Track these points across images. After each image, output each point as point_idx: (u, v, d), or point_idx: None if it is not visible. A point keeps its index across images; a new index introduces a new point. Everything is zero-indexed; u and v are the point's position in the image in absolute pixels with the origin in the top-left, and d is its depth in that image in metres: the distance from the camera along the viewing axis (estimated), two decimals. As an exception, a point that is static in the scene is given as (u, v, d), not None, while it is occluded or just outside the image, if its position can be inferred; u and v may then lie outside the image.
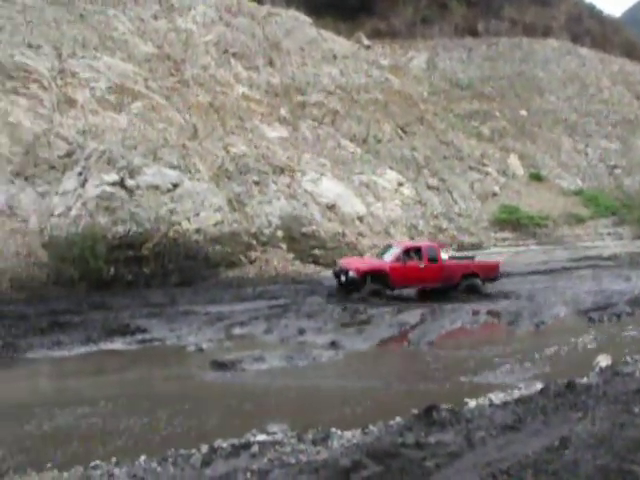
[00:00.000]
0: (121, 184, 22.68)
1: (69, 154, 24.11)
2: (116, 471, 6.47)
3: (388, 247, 21.50)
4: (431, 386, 10.88)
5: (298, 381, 11.21)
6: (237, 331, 15.54)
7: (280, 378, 11.41)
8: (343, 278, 19.65)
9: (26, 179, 23.45)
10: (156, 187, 23.23)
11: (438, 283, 20.23)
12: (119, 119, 25.95)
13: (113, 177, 22.63)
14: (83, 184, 22.77)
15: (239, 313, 17.36)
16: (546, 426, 7.31)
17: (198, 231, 23.38)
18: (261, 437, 7.79)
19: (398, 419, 8.21)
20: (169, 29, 31.95)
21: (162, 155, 24.68)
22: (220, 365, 12.19)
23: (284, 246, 25.76)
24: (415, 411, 8.27)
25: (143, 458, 6.98)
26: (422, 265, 19.95)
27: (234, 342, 14.52)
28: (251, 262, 24.25)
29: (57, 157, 24.02)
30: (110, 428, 8.79)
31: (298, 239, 26.31)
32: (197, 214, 23.75)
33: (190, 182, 24.40)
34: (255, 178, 27.15)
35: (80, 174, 23.17)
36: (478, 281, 20.66)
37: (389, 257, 20.35)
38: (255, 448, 7.15)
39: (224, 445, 7.36)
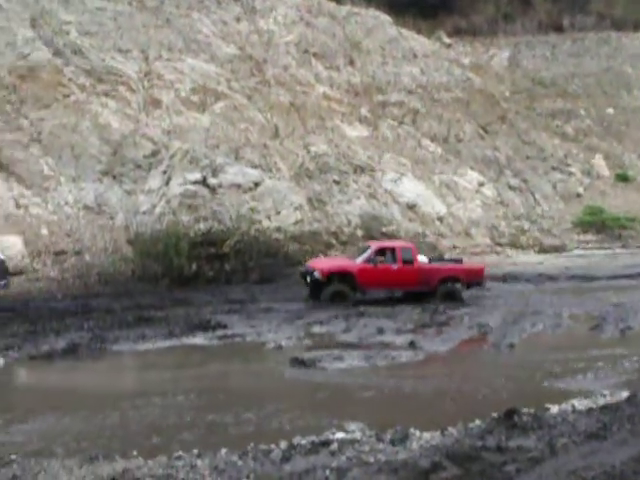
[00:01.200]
0: (204, 183, 23.14)
1: (154, 153, 24.76)
2: (198, 462, 6.52)
3: (366, 247, 19.87)
4: (511, 390, 10.56)
5: (376, 381, 11.08)
6: (316, 329, 15.53)
7: (359, 377, 11.31)
8: (308, 279, 18.39)
9: (114, 178, 24.23)
10: (238, 186, 23.57)
11: (412, 287, 18.83)
12: (202, 119, 26.47)
13: (196, 176, 23.11)
14: (167, 182, 23.34)
15: (318, 311, 17.36)
16: (633, 436, 7.00)
17: (278, 229, 23.57)
18: (340, 435, 7.73)
19: (478, 422, 8.00)
20: (251, 31, 32.36)
21: (244, 154, 25.04)
22: (299, 363, 12.17)
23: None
24: (495, 414, 8.05)
25: (224, 451, 7.02)
26: (395, 267, 18.51)
27: (313, 340, 14.51)
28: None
29: (143, 156, 24.71)
30: (191, 420, 8.89)
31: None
32: (278, 212, 23.96)
33: (271, 181, 24.66)
34: (335, 177, 27.16)
35: (164, 173, 23.77)
36: (458, 286, 19.15)
37: (360, 257, 18.95)
38: (334, 446, 7.10)
39: (303, 442, 7.33)
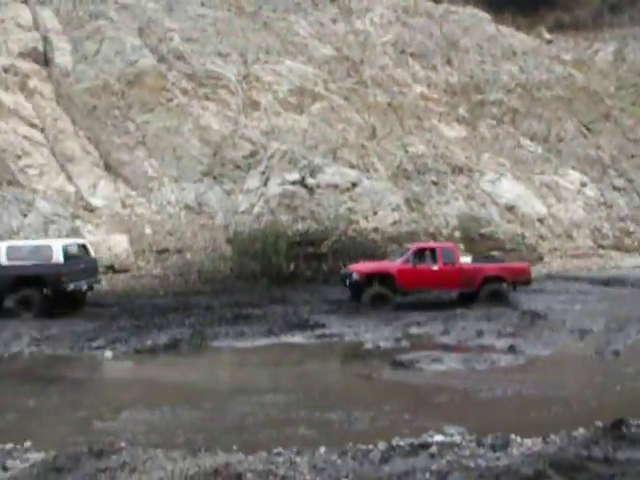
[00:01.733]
0: (302, 183, 23.29)
1: (253, 154, 25.18)
2: (297, 459, 6.47)
3: (405, 249, 19.32)
4: (616, 398, 9.95)
5: (475, 384, 10.72)
6: (414, 330, 15.25)
7: (457, 380, 11.00)
8: (347, 281, 17.94)
9: (214, 178, 24.81)
10: (335, 186, 23.60)
11: (454, 287, 18.22)
12: (300, 120, 26.71)
13: (294, 176, 23.29)
14: (266, 183, 23.65)
15: (417, 313, 17.10)
16: None
17: (376, 230, 23.44)
18: (438, 438, 7.51)
19: (582, 431, 7.54)
20: (347, 31, 32.45)
21: (342, 155, 25.08)
22: (398, 364, 11.98)
23: (462, 247, 25.13)
24: (600, 424, 7.58)
25: (323, 449, 6.94)
26: (435, 267, 17.87)
27: (411, 341, 14.26)
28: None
29: (242, 157, 25.18)
30: (289, 418, 8.89)
31: (476, 240, 25.60)
32: (375, 213, 23.82)
33: (369, 181, 24.55)
34: (433, 178, 26.78)
35: (263, 173, 24.10)
36: (504, 286, 18.28)
37: (399, 259, 18.43)
38: (434, 449, 6.89)
39: (401, 443, 7.15)
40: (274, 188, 23.11)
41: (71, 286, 17.62)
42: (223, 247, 22.52)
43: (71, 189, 23.74)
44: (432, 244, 19.97)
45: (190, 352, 13.68)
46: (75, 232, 21.75)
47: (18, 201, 22.50)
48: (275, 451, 6.77)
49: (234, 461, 6.16)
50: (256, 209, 23.08)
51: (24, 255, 17.60)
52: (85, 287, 18.35)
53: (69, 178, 24.18)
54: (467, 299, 18.09)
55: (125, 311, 17.38)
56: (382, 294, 17.40)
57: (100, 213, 23.11)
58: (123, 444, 7.02)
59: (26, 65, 27.11)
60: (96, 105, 25.89)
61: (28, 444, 7.48)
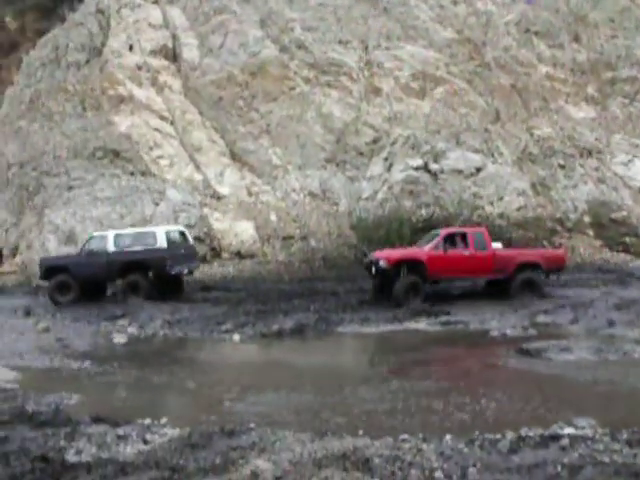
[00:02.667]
0: (425, 168, 23.03)
1: (375, 141, 25.14)
2: (424, 446, 6.39)
3: (433, 234, 17.93)
4: None
5: (607, 376, 10.18)
6: (541, 319, 14.73)
7: (588, 371, 10.47)
8: (373, 271, 16.61)
9: (337, 165, 24.99)
10: (459, 171, 23.18)
11: (486, 275, 16.95)
12: (422, 105, 26.38)
13: (417, 162, 23.06)
14: (389, 169, 23.56)
15: (544, 301, 16.51)
16: None
17: (501, 215, 22.83)
18: (569, 430, 7.18)
19: None
20: (469, 13, 31.58)
21: (465, 139, 24.55)
22: (525, 352, 11.59)
23: (591, 232, 24.06)
24: None
25: (449, 437, 6.82)
26: (467, 253, 16.55)
27: (538, 330, 13.77)
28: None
29: (364, 144, 25.20)
30: (413, 404, 8.81)
31: (607, 225, 24.36)
32: (500, 198, 23.20)
33: (493, 166, 23.93)
34: (560, 161, 25.69)
35: (386, 159, 24.02)
36: (538, 274, 16.94)
37: (428, 244, 17.03)
38: (565, 441, 6.59)
39: (531, 434, 6.91)
40: (397, 174, 22.98)
41: (174, 270, 18.50)
42: (347, 233, 22.66)
43: (199, 178, 24.66)
44: (463, 228, 18.50)
45: (315, 337, 13.90)
46: (203, 220, 22.59)
47: (150, 190, 23.64)
48: (401, 437, 6.73)
49: (361, 445, 6.19)
50: (379, 195, 23.05)
51: (130, 242, 18.62)
52: (186, 271, 19.19)
53: (197, 167, 25.12)
54: (497, 288, 17.19)
55: (251, 296, 17.90)
56: (415, 283, 16.18)
57: (227, 201, 23.86)
58: (252, 425, 7.22)
59: (157, 62, 28.35)
60: (221, 96, 26.69)
61: (164, 420, 7.83)
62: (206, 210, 22.93)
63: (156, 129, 25.69)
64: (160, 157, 24.82)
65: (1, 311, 18.31)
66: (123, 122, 25.64)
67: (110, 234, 18.93)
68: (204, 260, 22.19)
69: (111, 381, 10.56)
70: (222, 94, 26.62)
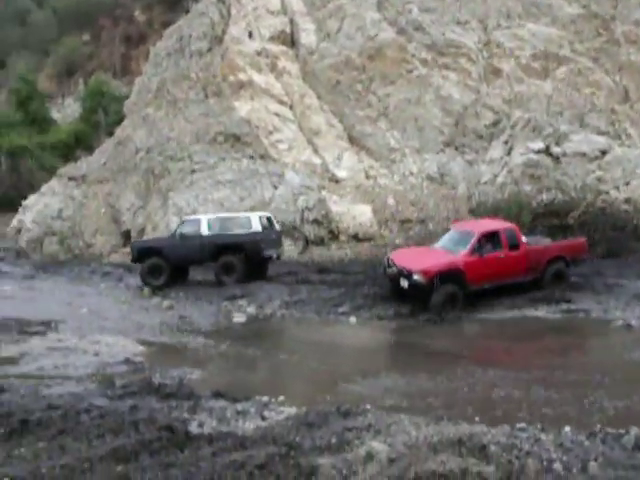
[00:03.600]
0: (546, 152, 22.34)
1: (495, 123, 24.63)
2: (542, 436, 6.31)
3: (456, 232, 16.30)
4: None
5: None
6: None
7: None
8: (404, 283, 14.69)
9: (456, 148, 24.71)
10: (583, 154, 22.31)
11: (522, 276, 15.38)
12: (544, 86, 25.53)
13: (539, 145, 22.40)
14: (509, 152, 23.05)
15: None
16: None
17: (627, 201, 21.79)
18: None
19: None
20: (599, -13, 30.19)
21: (589, 121, 23.65)
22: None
23: None
24: None
25: (568, 429, 6.71)
26: (502, 254, 15.02)
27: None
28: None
29: (484, 126, 24.75)
30: (525, 393, 8.77)
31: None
32: (627, 183, 22.14)
33: (620, 149, 22.88)
34: (696, 143, 24.26)
35: (506, 142, 23.50)
36: (564, 265, 15.96)
37: (461, 247, 15.13)
38: None
39: None
40: (517, 157, 22.43)
41: (267, 253, 19.19)
42: (466, 218, 22.41)
43: (317, 161, 25.03)
44: (494, 225, 16.12)
45: (432, 322, 13.91)
46: (321, 202, 22.94)
47: (270, 174, 24.23)
48: (519, 426, 6.70)
49: (477, 432, 6.19)
50: (499, 179, 22.61)
51: (223, 226, 19.22)
52: (275, 255, 19.73)
53: (315, 151, 25.49)
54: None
55: (369, 279, 18.04)
56: (454, 294, 14.50)
57: (345, 184, 24.11)
58: (368, 406, 7.38)
59: (275, 47, 28.88)
60: (339, 80, 26.89)
61: (282, 398, 8.15)
62: (324, 193, 23.27)
63: (275, 113, 26.25)
64: (279, 141, 25.37)
65: (129, 289, 19.47)
66: (243, 107, 26.34)
67: (203, 218, 19.68)
68: (322, 243, 22.59)
69: (231, 358, 11.03)
70: (340, 78, 26.82)
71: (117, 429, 6.49)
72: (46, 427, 6.59)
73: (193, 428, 6.63)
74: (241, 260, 18.89)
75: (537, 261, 15.45)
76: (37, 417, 6.85)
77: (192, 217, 20.48)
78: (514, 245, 15.20)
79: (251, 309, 15.81)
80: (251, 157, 25.02)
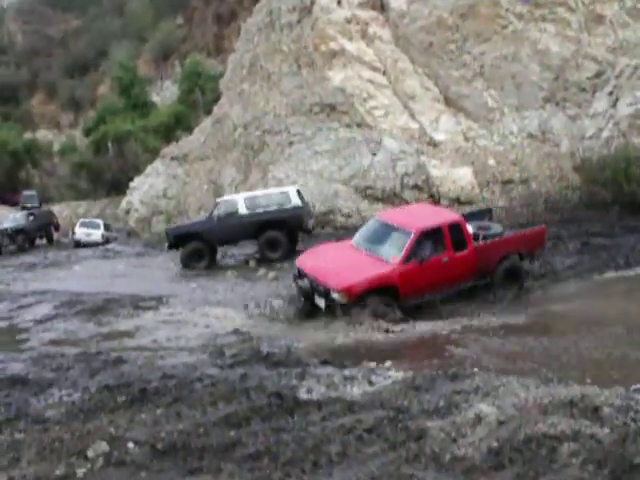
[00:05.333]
0: (657, 100, 21.20)
1: (598, 74, 23.52)
2: None
3: (382, 226, 12.73)
4: None
5: None
6: None
7: None
8: (320, 301, 11.66)
9: (556, 104, 23.80)
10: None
11: (471, 281, 12.37)
12: (653, 29, 24.14)
13: (647, 93, 21.29)
14: (614, 104, 22.00)
15: None
16: None
17: None
18: None
19: None
20: None
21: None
22: None
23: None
24: None
25: None
26: (446, 258, 11.88)
27: None
28: None
29: (586, 78, 23.68)
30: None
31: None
32: None
33: None
34: None
35: (611, 93, 22.43)
36: (517, 260, 12.99)
37: (393, 251, 11.82)
38: None
39: None
40: (624, 109, 21.37)
41: (309, 226, 19.61)
42: (570, 176, 21.65)
43: (414, 126, 24.76)
44: (435, 220, 12.39)
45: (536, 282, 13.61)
46: (421, 167, 22.78)
47: (367, 141, 24.22)
48: (633, 387, 6.48)
49: (590, 394, 6.03)
50: (604, 133, 21.64)
51: (262, 203, 19.39)
52: (311, 227, 20.07)
53: (412, 115, 25.22)
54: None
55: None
56: (382, 311, 11.25)
57: (443, 147, 23.78)
58: (475, 369, 7.33)
59: (365, 13, 28.59)
60: (432, 42, 26.37)
61: (388, 364, 8.20)
62: (423, 158, 23.05)
63: (369, 80, 26.09)
64: (374, 108, 25.24)
65: (235, 263, 20.10)
66: (336, 76, 26.33)
67: (239, 197, 19.97)
68: (423, 208, 22.46)
69: (335, 327, 11.07)
70: (432, 40, 26.30)
71: (229, 397, 6.70)
72: (162, 395, 6.92)
73: (302, 394, 6.77)
74: (284, 235, 19.09)
75: (488, 260, 12.41)
76: (154, 386, 7.21)
77: (226, 198, 20.88)
78: (460, 244, 12.04)
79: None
80: (347, 126, 25.05)
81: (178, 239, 19.55)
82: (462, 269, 12.04)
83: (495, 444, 5.14)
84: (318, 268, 11.94)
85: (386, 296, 11.27)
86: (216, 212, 19.52)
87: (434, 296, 11.83)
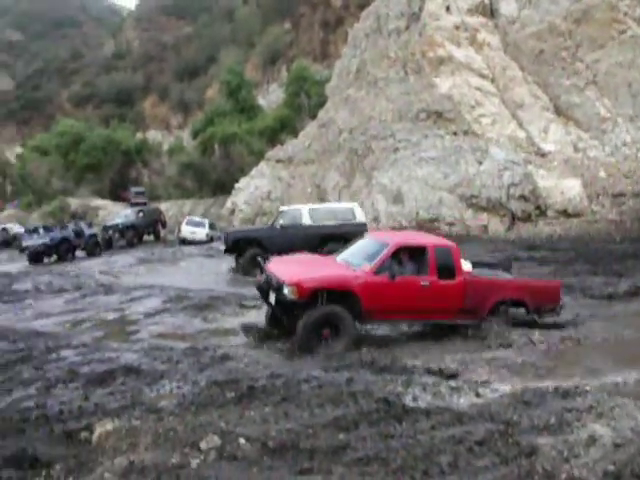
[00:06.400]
0: None
1: None
2: None
3: (369, 243, 11.53)
4: None
5: None
6: None
7: None
8: (271, 297, 10.29)
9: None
10: None
11: (454, 315, 10.68)
12: None
13: None
14: None
15: None
16: None
17: None
18: None
19: None
20: None
21: None
22: None
23: None
24: None
25: None
26: (426, 282, 10.38)
27: None
28: None
29: None
30: None
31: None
32: None
33: None
34: None
35: None
36: (522, 312, 11.17)
37: (364, 261, 10.55)
38: None
39: None
40: None
41: None
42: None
43: (522, 135, 24.33)
44: (419, 239, 11.69)
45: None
46: (527, 177, 22.38)
47: (473, 150, 24.01)
48: None
49: None
50: None
51: (325, 216, 19.21)
52: None
53: (520, 124, 24.79)
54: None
55: (580, 256, 17.36)
56: (335, 323, 9.81)
57: (552, 158, 23.24)
58: (588, 388, 7.09)
59: (474, 20, 28.35)
60: (543, 49, 25.82)
61: (494, 376, 8.01)
62: (530, 168, 22.62)
63: (477, 88, 25.84)
64: (482, 116, 24.97)
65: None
66: (444, 83, 26.24)
67: (304, 208, 19.84)
68: (529, 219, 22.08)
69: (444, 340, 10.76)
70: (543, 46, 25.74)
71: (336, 399, 6.74)
72: (270, 394, 7.04)
73: (408, 402, 6.73)
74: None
75: (481, 298, 10.78)
76: (262, 384, 7.36)
77: (292, 207, 20.74)
78: (447, 271, 10.60)
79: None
80: (454, 133, 24.93)
81: (236, 244, 19.32)
82: (445, 299, 10.53)
83: (612, 467, 5.01)
84: (281, 267, 10.94)
85: (344, 305, 9.87)
86: (280, 221, 19.48)
87: (406, 322, 10.82)
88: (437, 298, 10.40)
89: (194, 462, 5.36)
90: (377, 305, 10.00)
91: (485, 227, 22.93)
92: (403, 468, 5.16)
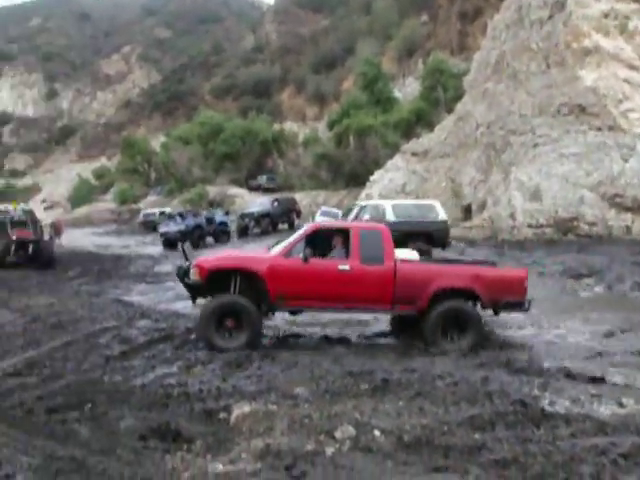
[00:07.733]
0: None
1: None
2: None
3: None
4: None
5: None
6: None
7: None
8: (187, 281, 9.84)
9: None
10: None
11: (383, 306, 9.65)
12: None
13: None
14: None
15: None
16: None
17: None
18: None
19: None
20: None
21: None
22: None
23: None
24: None
25: None
26: (346, 266, 9.51)
27: None
28: None
29: None
30: None
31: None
32: None
33: None
34: None
35: None
36: (469, 306, 9.75)
37: (278, 246, 10.19)
38: None
39: None
40: None
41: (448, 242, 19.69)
42: None
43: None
44: (341, 223, 11.42)
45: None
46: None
47: (619, 146, 22.93)
48: None
49: None
50: None
51: (408, 212, 19.02)
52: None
53: (674, 119, 23.38)
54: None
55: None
56: (238, 308, 9.37)
57: None
58: None
59: (626, 6, 26.90)
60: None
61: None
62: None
63: (625, 80, 24.54)
64: (630, 110, 23.71)
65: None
66: (589, 76, 25.14)
67: (387, 204, 19.56)
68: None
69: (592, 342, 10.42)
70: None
71: (471, 398, 6.69)
72: (405, 388, 7.11)
73: (546, 406, 6.55)
74: (429, 246, 18.79)
75: (416, 288, 9.68)
76: (396, 377, 7.49)
77: (374, 203, 20.46)
78: (373, 256, 9.74)
79: (598, 289, 15.29)
80: (598, 129, 23.84)
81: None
82: (370, 286, 9.68)
83: None
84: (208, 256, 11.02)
85: (252, 290, 9.55)
86: (365, 216, 19.25)
87: (325, 310, 10.17)
88: (360, 284, 9.65)
89: (329, 450, 5.45)
90: (287, 290, 9.51)
91: (628, 228, 21.84)
92: (542, 475, 5.00)
